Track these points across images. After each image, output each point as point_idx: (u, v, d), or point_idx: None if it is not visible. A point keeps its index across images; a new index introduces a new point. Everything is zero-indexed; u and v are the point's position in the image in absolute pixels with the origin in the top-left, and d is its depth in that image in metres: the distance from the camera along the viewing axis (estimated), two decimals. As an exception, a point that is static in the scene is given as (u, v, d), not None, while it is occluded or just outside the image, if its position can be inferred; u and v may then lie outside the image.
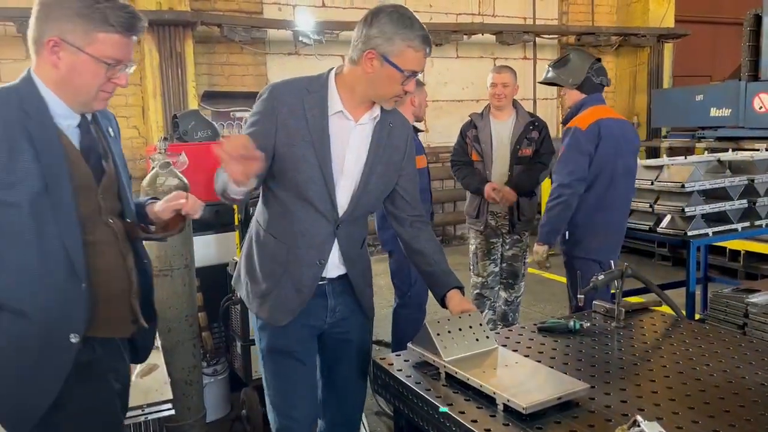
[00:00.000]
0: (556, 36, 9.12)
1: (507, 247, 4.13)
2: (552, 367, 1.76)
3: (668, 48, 9.51)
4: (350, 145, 1.93)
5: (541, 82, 3.68)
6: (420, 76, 2.02)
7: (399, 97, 1.93)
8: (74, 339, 1.53)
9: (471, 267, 4.24)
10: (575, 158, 3.15)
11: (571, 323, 2.09)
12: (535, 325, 2.16)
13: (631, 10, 9.46)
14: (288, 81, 1.96)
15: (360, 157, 1.95)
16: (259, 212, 2.05)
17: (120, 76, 1.56)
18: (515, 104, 4.12)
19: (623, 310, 2.19)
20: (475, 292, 4.17)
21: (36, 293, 1.49)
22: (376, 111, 1.97)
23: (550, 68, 3.45)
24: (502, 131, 4.04)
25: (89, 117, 1.62)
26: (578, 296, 2.23)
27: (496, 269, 4.16)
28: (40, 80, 1.52)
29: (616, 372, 1.78)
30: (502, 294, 4.25)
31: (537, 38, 8.90)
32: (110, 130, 1.71)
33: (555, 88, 9.48)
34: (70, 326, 1.53)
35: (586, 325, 2.12)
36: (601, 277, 2.16)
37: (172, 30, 6.45)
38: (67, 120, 1.55)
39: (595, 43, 8.81)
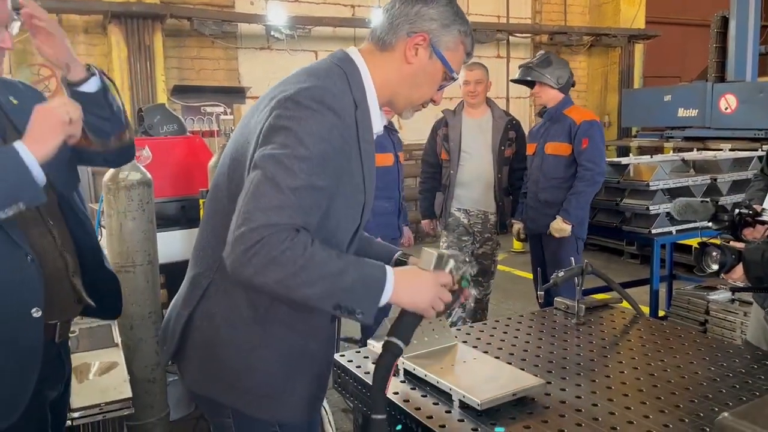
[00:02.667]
0: (530, 35, 9.19)
1: (478, 245, 4.14)
2: (510, 363, 1.77)
3: (639, 48, 9.66)
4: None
5: (518, 81, 3.80)
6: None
7: (423, 107, 1.54)
8: (36, 313, 1.46)
9: None
10: (603, 148, 3.62)
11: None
12: None
13: (603, 11, 9.58)
14: (337, 84, 1.35)
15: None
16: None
17: (3, 38, 1.45)
18: (489, 102, 4.14)
19: (583, 306, 2.21)
20: None
21: None
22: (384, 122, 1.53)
23: (533, 68, 3.65)
24: (477, 129, 4.05)
25: None
26: (538, 293, 2.24)
27: None
28: None
29: (572, 368, 1.80)
30: (473, 292, 4.26)
31: (510, 37, 8.96)
32: (12, 98, 1.58)
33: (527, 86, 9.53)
34: (28, 301, 1.46)
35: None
36: (561, 273, 2.18)
37: (141, 22, 6.36)
38: None
39: (568, 43, 8.91)
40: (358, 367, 1.81)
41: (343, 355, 1.89)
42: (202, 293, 1.41)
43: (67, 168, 1.63)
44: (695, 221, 3.59)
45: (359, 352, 1.92)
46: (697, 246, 1.86)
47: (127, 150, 1.76)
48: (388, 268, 1.32)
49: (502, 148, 4.02)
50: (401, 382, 1.70)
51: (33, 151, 1.35)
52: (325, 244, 1.26)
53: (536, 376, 1.65)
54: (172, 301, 1.54)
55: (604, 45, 9.33)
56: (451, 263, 1.38)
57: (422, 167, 4.28)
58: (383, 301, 1.29)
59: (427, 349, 1.77)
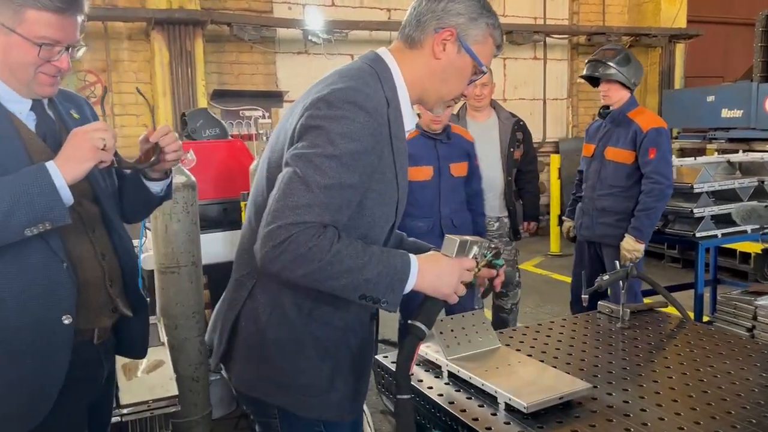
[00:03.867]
0: (567, 36, 9.08)
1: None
2: (555, 367, 1.76)
3: (680, 48, 9.46)
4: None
5: (590, 77, 3.58)
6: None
7: (454, 102, 1.56)
8: (67, 320, 1.48)
9: None
10: (670, 158, 3.42)
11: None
12: None
13: (643, 10, 9.41)
14: (369, 83, 1.37)
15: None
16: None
17: (61, 59, 1.47)
18: (493, 104, 3.99)
19: (628, 311, 2.18)
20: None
21: (15, 277, 1.43)
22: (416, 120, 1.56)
23: (611, 64, 3.43)
24: (484, 133, 3.87)
25: (45, 102, 1.57)
26: (582, 296, 2.22)
27: None
28: None
29: (619, 372, 1.78)
30: (497, 303, 4.08)
31: (547, 38, 8.88)
32: (73, 112, 1.63)
33: (566, 87, 9.37)
34: (60, 308, 1.48)
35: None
36: (606, 277, 2.16)
37: (182, 29, 6.49)
38: (17, 104, 1.50)
39: (606, 43, 8.76)
40: (402, 368, 1.82)
41: (386, 356, 1.91)
42: (247, 294, 1.44)
43: (112, 187, 1.68)
44: (757, 225, 3.51)
45: (402, 353, 1.93)
46: (760, 252, 1.82)
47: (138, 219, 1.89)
48: (411, 256, 1.35)
49: (511, 150, 3.89)
50: (445, 384, 1.71)
51: (64, 172, 1.38)
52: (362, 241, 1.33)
53: (582, 380, 1.64)
54: (218, 304, 1.56)
55: (643, 45, 9.16)
56: (475, 249, 1.41)
57: None
58: (407, 289, 1.33)
59: (471, 352, 1.77)
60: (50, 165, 1.38)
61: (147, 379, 2.48)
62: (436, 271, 1.36)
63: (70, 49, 1.49)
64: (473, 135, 3.78)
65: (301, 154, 1.29)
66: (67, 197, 1.39)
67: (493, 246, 1.46)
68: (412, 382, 1.71)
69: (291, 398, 1.42)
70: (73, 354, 1.54)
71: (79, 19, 1.49)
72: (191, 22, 6.52)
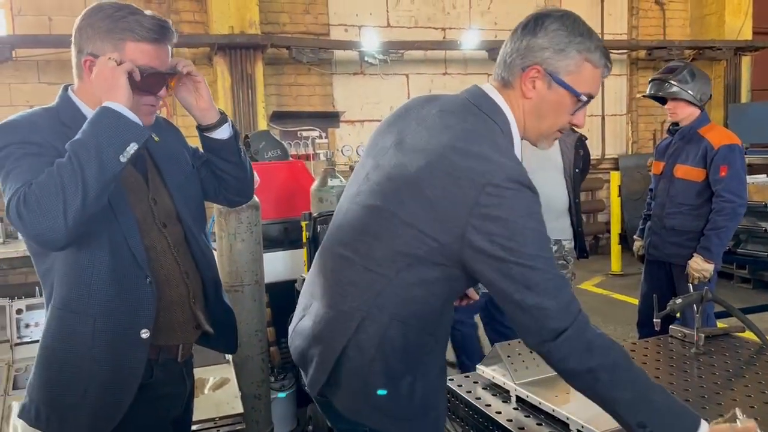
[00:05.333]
0: (626, 51, 8.91)
1: None
2: (627, 394, 1.70)
3: (746, 61, 9.14)
4: None
5: (657, 96, 3.50)
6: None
7: (561, 134, 1.52)
8: (145, 334, 1.53)
9: None
10: (744, 176, 3.33)
11: None
12: None
13: (706, 23, 9.15)
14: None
15: None
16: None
17: (159, 88, 1.55)
18: None
19: (702, 335, 2.10)
20: None
21: (103, 290, 1.49)
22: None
23: (674, 82, 3.35)
24: (542, 153, 3.78)
25: None
26: (654, 320, 2.15)
27: None
28: (80, 100, 1.56)
29: (696, 400, 1.71)
30: None
31: (605, 53, 8.73)
32: (153, 135, 1.66)
33: (625, 103, 9.21)
34: (140, 321, 1.53)
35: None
36: (679, 301, 2.08)
37: (244, 53, 6.69)
38: None
39: (668, 58, 8.54)
40: (468, 392, 1.80)
41: (452, 380, 1.89)
42: (357, 326, 1.41)
43: (195, 204, 1.73)
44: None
45: (468, 377, 1.91)
46: None
47: (247, 189, 1.86)
48: (703, 422, 1.31)
49: (576, 170, 3.75)
50: (514, 409, 1.68)
51: (114, 99, 1.41)
52: None
53: (657, 408, 1.58)
54: (298, 327, 1.56)
55: (707, 58, 8.89)
56: None
57: None
58: None
59: (540, 376, 1.74)
60: (105, 103, 1.42)
61: (213, 396, 2.54)
62: None
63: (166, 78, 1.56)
64: (530, 154, 3.71)
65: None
66: (134, 117, 1.42)
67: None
68: (478, 406, 1.69)
69: (386, 421, 1.43)
70: (159, 371, 1.60)
71: (170, 47, 1.56)
72: (252, 47, 6.71)
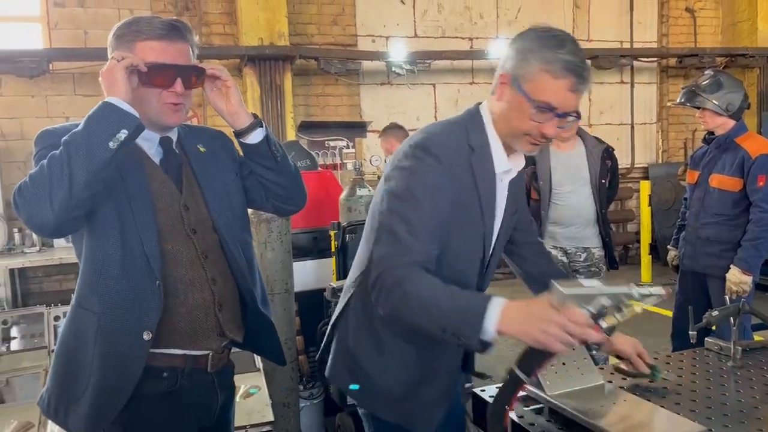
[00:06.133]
0: (656, 59, 8.81)
1: (583, 279, 3.91)
2: (663, 407, 1.68)
3: (780, 68, 8.96)
4: (497, 204, 1.68)
5: (682, 104, 3.46)
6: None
7: (536, 141, 1.56)
8: (147, 336, 1.55)
9: None
10: None
11: (651, 372, 1.82)
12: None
13: (738, 30, 9.00)
14: (445, 133, 1.59)
15: (499, 216, 1.70)
16: None
17: (175, 84, 1.57)
18: (578, 131, 3.87)
19: (740, 348, 2.05)
20: None
21: (110, 289, 1.54)
22: (521, 160, 1.69)
23: (699, 92, 3.32)
24: (569, 163, 3.78)
25: (174, 137, 1.68)
26: (690, 333, 2.11)
27: None
28: None
29: (735, 415, 1.67)
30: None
31: (635, 61, 8.64)
32: (200, 146, 1.72)
33: (655, 111, 9.09)
34: (144, 323, 1.55)
35: (671, 377, 1.85)
36: (715, 313, 2.05)
37: (273, 64, 6.78)
38: (146, 141, 1.61)
39: (699, 65, 8.43)
40: (501, 403, 1.79)
41: (483, 390, 1.88)
42: (346, 302, 1.72)
43: (235, 214, 1.74)
44: None
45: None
46: None
47: (295, 196, 1.87)
48: (496, 299, 1.38)
49: (603, 181, 3.76)
50: (547, 421, 1.66)
51: (114, 94, 1.46)
52: (450, 272, 1.53)
53: (695, 422, 1.56)
54: None
55: (739, 66, 8.74)
56: (576, 302, 1.32)
57: None
58: (488, 328, 1.36)
59: (573, 388, 1.72)
60: (107, 98, 1.47)
61: (244, 404, 2.55)
62: (523, 314, 1.34)
63: (183, 76, 1.58)
64: (559, 166, 3.72)
65: (389, 191, 1.57)
66: (129, 108, 1.46)
67: (624, 299, 1.33)
68: (512, 418, 1.68)
69: (370, 397, 1.65)
70: (186, 380, 1.62)
71: (186, 45, 1.60)
72: (281, 58, 6.80)
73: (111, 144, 1.41)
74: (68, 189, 1.38)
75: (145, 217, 1.56)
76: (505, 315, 1.35)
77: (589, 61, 8.23)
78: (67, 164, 1.39)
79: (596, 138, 3.96)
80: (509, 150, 1.64)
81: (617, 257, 3.99)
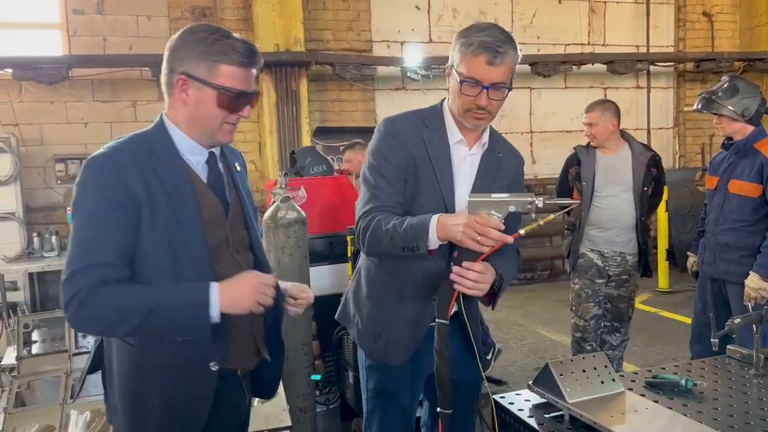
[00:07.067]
0: (672, 63, 8.75)
1: (613, 285, 3.89)
2: (686, 415, 1.66)
3: (798, 72, 8.87)
4: (461, 173, 1.98)
5: (698, 111, 3.44)
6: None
7: (478, 115, 1.88)
8: (214, 367, 1.59)
9: (572, 307, 3.99)
10: None
11: (683, 381, 1.83)
12: (645, 378, 1.95)
13: (756, 34, 8.92)
14: (402, 115, 2.03)
15: (469, 184, 1.99)
16: None
17: (245, 109, 1.62)
18: (625, 136, 3.88)
19: (762, 356, 2.03)
20: (576, 335, 3.95)
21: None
22: (485, 138, 2.02)
23: (715, 98, 3.30)
24: (613, 168, 3.80)
25: (217, 153, 1.70)
26: (712, 340, 2.09)
27: (600, 312, 3.91)
28: (171, 121, 1.62)
29: (758, 423, 1.65)
30: (606, 338, 3.98)
31: (651, 66, 8.58)
32: (236, 165, 1.78)
33: (671, 116, 9.00)
34: (209, 354, 1.58)
35: (704, 385, 1.84)
36: (737, 320, 2.02)
37: (288, 70, 6.81)
38: (195, 156, 1.63)
39: (717, 70, 8.36)
40: (520, 410, 1.79)
41: (503, 397, 1.88)
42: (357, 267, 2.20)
43: (258, 233, 1.80)
44: None
45: (520, 394, 1.89)
46: None
47: None
48: (433, 217, 1.78)
49: (645, 189, 3.76)
50: (568, 428, 1.65)
51: (222, 302, 1.50)
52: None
53: (718, 431, 1.54)
54: None
55: (758, 70, 8.65)
56: (486, 209, 1.71)
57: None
58: (432, 239, 1.77)
59: (594, 396, 1.71)
60: (214, 288, 1.50)
61: (262, 409, 2.57)
62: (450, 222, 1.73)
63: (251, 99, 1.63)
64: (602, 169, 3.73)
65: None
66: (217, 318, 1.51)
67: (533, 206, 1.69)
68: (533, 425, 1.68)
69: (361, 338, 2.09)
70: (220, 382, 1.64)
71: (255, 71, 1.63)
72: (297, 64, 6.83)
73: (172, 336, 1.52)
74: (128, 331, 1.49)
75: (197, 241, 1.57)
76: (441, 223, 1.75)
77: (604, 66, 8.21)
78: (139, 325, 1.46)
79: (644, 145, 3.96)
80: (473, 133, 1.99)
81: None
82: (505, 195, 1.74)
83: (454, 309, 1.87)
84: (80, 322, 1.50)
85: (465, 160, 2.00)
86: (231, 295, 1.52)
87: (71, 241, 1.49)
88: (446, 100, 2.02)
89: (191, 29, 1.60)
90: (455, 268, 1.75)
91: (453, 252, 1.81)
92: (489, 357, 4.05)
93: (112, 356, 1.63)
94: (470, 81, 1.82)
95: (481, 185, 1.98)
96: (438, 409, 1.83)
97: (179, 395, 1.58)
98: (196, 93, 1.57)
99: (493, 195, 1.75)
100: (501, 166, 2.04)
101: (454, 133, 1.98)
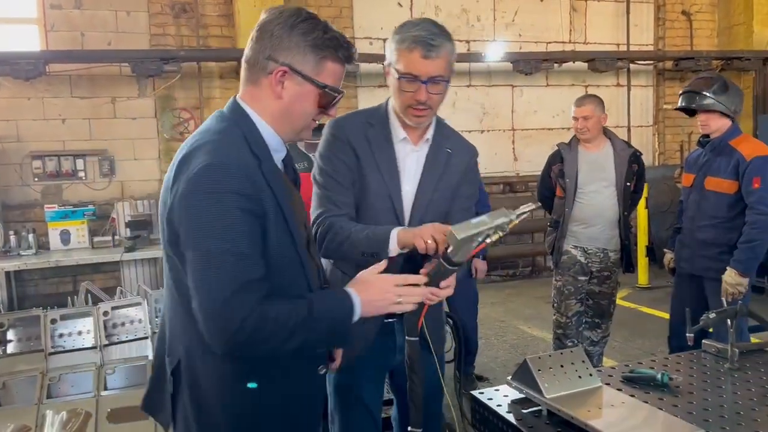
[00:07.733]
0: (652, 62, 8.83)
1: (595, 281, 3.92)
2: (661, 409, 1.68)
3: (775, 71, 8.99)
4: (407, 170, 2.02)
5: (687, 108, 3.46)
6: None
7: (418, 112, 1.91)
8: (322, 371, 1.61)
9: (554, 304, 4.03)
10: None
11: (659, 375, 1.86)
12: (622, 373, 1.97)
13: (734, 33, 9.03)
14: (348, 116, 2.09)
15: (415, 181, 2.02)
16: None
17: (331, 108, 1.56)
18: (608, 134, 3.93)
19: (737, 351, 2.06)
20: (558, 332, 3.98)
21: None
22: (429, 134, 2.05)
23: (708, 95, 3.32)
24: (596, 164, 3.84)
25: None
26: (687, 335, 2.12)
27: (581, 308, 3.94)
28: (255, 112, 1.50)
29: (731, 417, 1.68)
30: (586, 334, 4.01)
31: (631, 64, 8.66)
32: (298, 165, 1.81)
33: (651, 114, 9.11)
34: (318, 360, 1.61)
35: (679, 379, 1.88)
36: (712, 315, 2.05)
37: (270, 66, 6.75)
38: (278, 153, 1.54)
39: (695, 68, 8.45)
40: (499, 405, 1.79)
41: (482, 393, 1.88)
42: None
43: None
44: None
45: (498, 390, 1.90)
46: None
47: None
48: (394, 230, 1.82)
49: (627, 184, 3.80)
50: (545, 423, 1.66)
51: (363, 310, 1.48)
52: (371, 224, 1.90)
53: (692, 424, 1.56)
54: None
55: (735, 69, 8.76)
56: (469, 242, 1.58)
57: (541, 201, 4.07)
58: (392, 246, 1.79)
59: (571, 390, 1.72)
60: (355, 297, 1.48)
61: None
62: (410, 234, 1.77)
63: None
64: (585, 165, 3.76)
65: None
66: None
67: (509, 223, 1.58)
68: (511, 421, 1.69)
69: None
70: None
71: None
72: (277, 60, 6.77)
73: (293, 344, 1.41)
74: (293, 347, 1.40)
75: (299, 240, 1.51)
76: (400, 237, 1.78)
77: (585, 64, 8.27)
78: (304, 341, 1.41)
79: (625, 142, 4.01)
80: (408, 127, 1.99)
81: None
82: (483, 218, 1.59)
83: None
84: (257, 343, 1.35)
85: (409, 156, 2.02)
86: (371, 304, 1.50)
87: (210, 262, 1.32)
88: (390, 99, 2.04)
89: (294, 15, 1.47)
90: (432, 290, 1.62)
91: (422, 267, 1.68)
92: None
93: (197, 371, 1.48)
94: (408, 77, 1.84)
95: (428, 181, 2.01)
96: (408, 429, 1.81)
97: (291, 402, 1.53)
98: (296, 87, 1.47)
99: (473, 221, 1.59)
100: (449, 162, 2.05)
101: (397, 131, 2.01)
